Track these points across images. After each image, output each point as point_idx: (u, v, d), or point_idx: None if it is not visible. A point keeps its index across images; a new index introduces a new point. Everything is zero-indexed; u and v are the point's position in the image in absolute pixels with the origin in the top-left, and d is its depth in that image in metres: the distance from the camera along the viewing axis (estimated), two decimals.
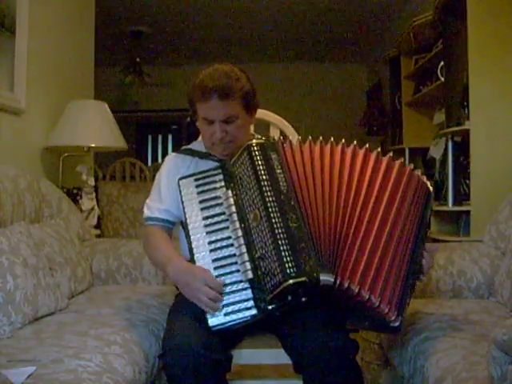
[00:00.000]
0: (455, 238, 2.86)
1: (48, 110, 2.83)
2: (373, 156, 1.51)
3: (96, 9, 3.57)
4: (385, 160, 1.50)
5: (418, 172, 1.53)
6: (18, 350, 1.38)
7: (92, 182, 2.88)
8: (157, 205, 1.69)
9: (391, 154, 1.52)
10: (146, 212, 1.71)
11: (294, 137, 1.95)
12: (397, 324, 1.35)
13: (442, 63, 3.42)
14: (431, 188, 1.53)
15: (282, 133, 2.01)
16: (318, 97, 7.10)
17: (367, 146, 1.53)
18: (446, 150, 3.17)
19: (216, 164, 1.59)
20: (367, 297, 1.31)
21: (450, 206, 3.03)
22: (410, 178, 1.50)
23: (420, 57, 4.15)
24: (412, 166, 1.52)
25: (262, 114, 1.93)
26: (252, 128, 1.85)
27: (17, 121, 2.51)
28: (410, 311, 1.75)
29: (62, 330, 1.53)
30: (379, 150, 1.52)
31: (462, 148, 3.00)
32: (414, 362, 1.50)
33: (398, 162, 1.51)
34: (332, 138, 1.54)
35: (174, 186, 1.62)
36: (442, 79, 3.43)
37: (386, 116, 5.55)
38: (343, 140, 1.53)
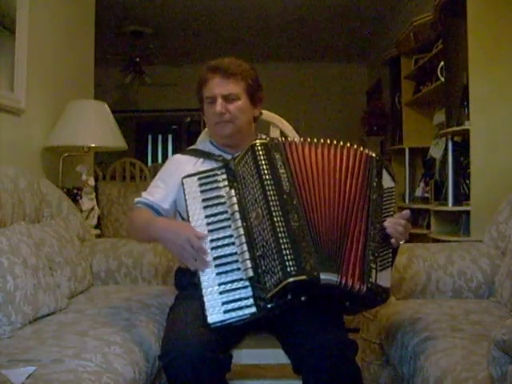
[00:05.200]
0: (455, 238, 2.86)
1: (48, 110, 2.83)
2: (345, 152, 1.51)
3: (96, 9, 3.57)
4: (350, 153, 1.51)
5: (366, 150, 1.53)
6: (18, 349, 1.38)
7: (92, 182, 2.87)
8: (149, 197, 1.69)
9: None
10: (136, 199, 1.72)
11: (294, 137, 1.95)
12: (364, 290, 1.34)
13: (442, 63, 3.42)
14: (374, 155, 1.52)
15: (282, 133, 2.01)
16: (318, 97, 7.10)
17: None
18: (446, 149, 3.17)
19: (220, 164, 1.60)
20: (357, 287, 1.34)
21: (450, 206, 3.03)
22: (359, 161, 1.51)
23: (420, 57, 4.15)
24: (356, 146, 1.52)
25: None
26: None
27: (17, 121, 2.51)
28: (411, 311, 1.75)
29: (62, 330, 1.53)
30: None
31: (462, 148, 3.00)
32: (414, 361, 1.50)
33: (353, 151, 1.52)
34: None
35: (174, 183, 1.64)
36: (442, 79, 3.44)
37: (385, 116, 5.56)
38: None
